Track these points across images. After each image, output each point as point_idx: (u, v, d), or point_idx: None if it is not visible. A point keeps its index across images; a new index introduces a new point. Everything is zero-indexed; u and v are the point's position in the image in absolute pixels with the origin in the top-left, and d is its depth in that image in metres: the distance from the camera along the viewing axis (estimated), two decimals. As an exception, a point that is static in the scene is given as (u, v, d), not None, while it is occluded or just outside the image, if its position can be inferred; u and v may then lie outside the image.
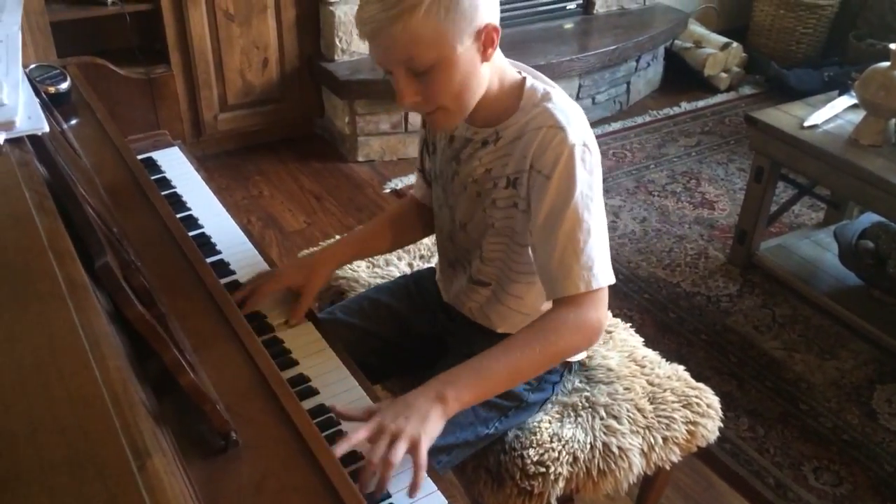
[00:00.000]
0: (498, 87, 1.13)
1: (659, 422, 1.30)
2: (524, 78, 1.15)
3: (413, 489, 0.94)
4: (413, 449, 0.95)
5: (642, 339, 1.52)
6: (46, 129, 1.07)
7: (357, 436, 0.95)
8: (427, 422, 0.97)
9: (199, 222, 1.41)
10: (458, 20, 1.00)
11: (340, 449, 0.93)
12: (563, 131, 1.07)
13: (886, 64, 2.09)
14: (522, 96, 1.13)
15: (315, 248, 1.72)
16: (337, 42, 3.05)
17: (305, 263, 1.29)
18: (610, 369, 1.39)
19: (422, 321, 1.40)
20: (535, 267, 1.16)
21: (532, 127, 1.10)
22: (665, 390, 1.36)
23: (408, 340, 1.39)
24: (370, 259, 1.64)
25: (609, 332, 1.49)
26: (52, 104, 1.34)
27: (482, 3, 1.02)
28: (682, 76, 3.91)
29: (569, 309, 1.07)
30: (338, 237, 1.72)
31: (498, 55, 1.11)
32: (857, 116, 2.22)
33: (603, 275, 1.07)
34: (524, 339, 1.06)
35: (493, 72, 1.11)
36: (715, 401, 1.37)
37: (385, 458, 0.92)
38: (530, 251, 1.15)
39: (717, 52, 3.82)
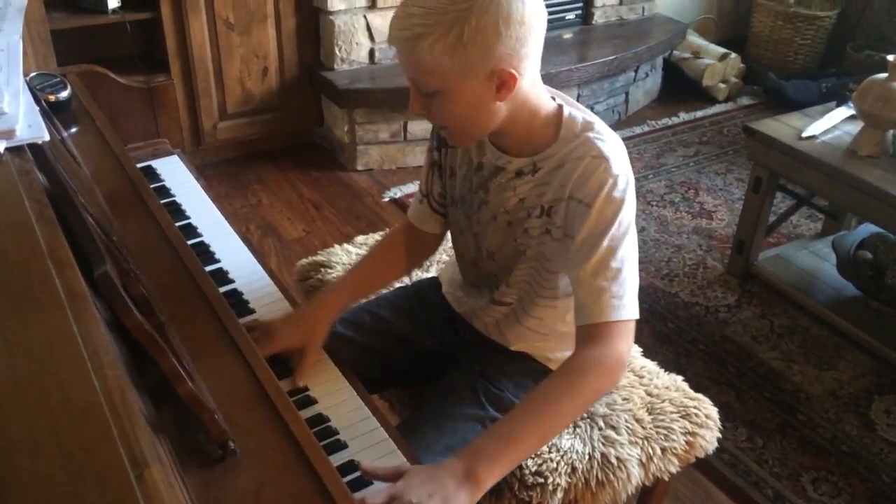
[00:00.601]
0: (530, 119, 1.11)
1: (657, 432, 1.30)
2: (561, 107, 1.13)
3: None
4: None
5: (641, 350, 1.52)
6: (47, 137, 1.07)
7: (377, 501, 0.91)
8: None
9: (198, 231, 1.41)
10: (463, 60, 0.99)
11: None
12: (607, 161, 1.06)
13: (884, 75, 2.10)
14: (561, 126, 1.11)
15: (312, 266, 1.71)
16: (336, 51, 3.06)
17: (302, 322, 1.19)
18: (608, 379, 1.39)
19: (425, 336, 1.38)
20: (563, 289, 1.16)
21: (574, 157, 1.09)
22: (663, 401, 1.35)
23: (410, 355, 1.37)
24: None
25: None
26: (53, 112, 1.34)
27: (499, 51, 0.99)
28: (680, 86, 3.92)
29: (593, 345, 1.05)
30: (336, 248, 1.73)
31: (529, 89, 1.08)
32: (855, 127, 2.23)
33: (631, 307, 1.06)
34: (551, 395, 1.02)
35: (516, 107, 1.08)
36: (713, 411, 1.37)
37: None
38: (567, 276, 1.14)
39: (715, 63, 3.84)
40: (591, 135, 1.10)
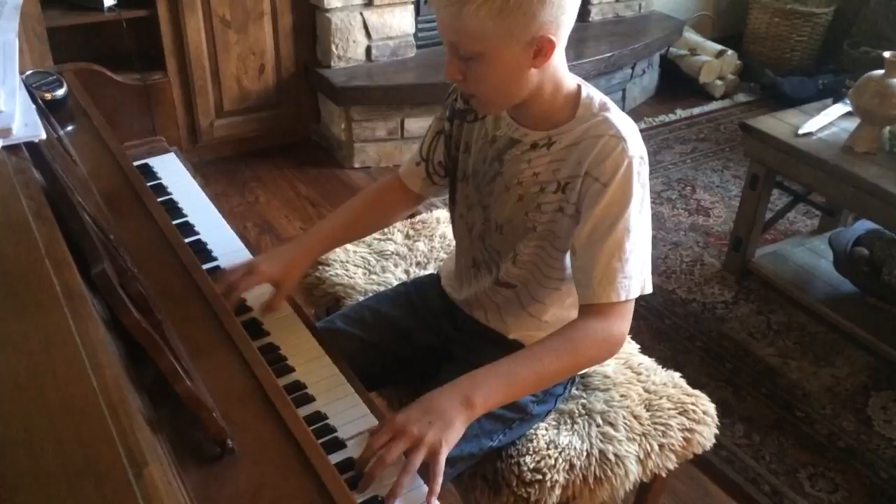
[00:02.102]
0: (553, 93, 1.13)
1: (655, 429, 1.30)
2: (580, 86, 1.15)
3: (430, 497, 0.94)
4: (432, 457, 0.95)
5: (638, 346, 1.52)
6: (43, 136, 1.07)
7: (379, 440, 0.95)
8: (450, 429, 0.97)
9: (196, 229, 1.41)
10: (509, 24, 1.00)
11: (366, 454, 0.95)
12: (624, 142, 1.08)
13: (881, 72, 2.10)
14: (580, 104, 1.13)
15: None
16: (333, 49, 3.05)
17: (281, 260, 1.27)
18: (606, 376, 1.39)
19: (424, 332, 1.38)
20: (570, 271, 1.17)
21: (591, 135, 1.11)
22: (661, 397, 1.36)
23: (409, 351, 1.37)
24: (366, 266, 1.64)
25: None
26: (49, 110, 1.34)
27: (542, 16, 1.00)
28: (677, 83, 3.92)
29: (597, 319, 1.08)
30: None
31: (558, 62, 1.10)
32: (852, 124, 2.24)
33: (638, 285, 1.09)
34: (552, 346, 1.07)
35: (547, 77, 1.10)
36: (711, 408, 1.37)
37: (402, 462, 0.93)
38: (569, 255, 1.16)
39: (712, 60, 3.84)
40: (608, 115, 1.12)
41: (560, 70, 1.12)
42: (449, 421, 0.97)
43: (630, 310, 1.11)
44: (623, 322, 1.10)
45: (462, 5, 0.99)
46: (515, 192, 1.19)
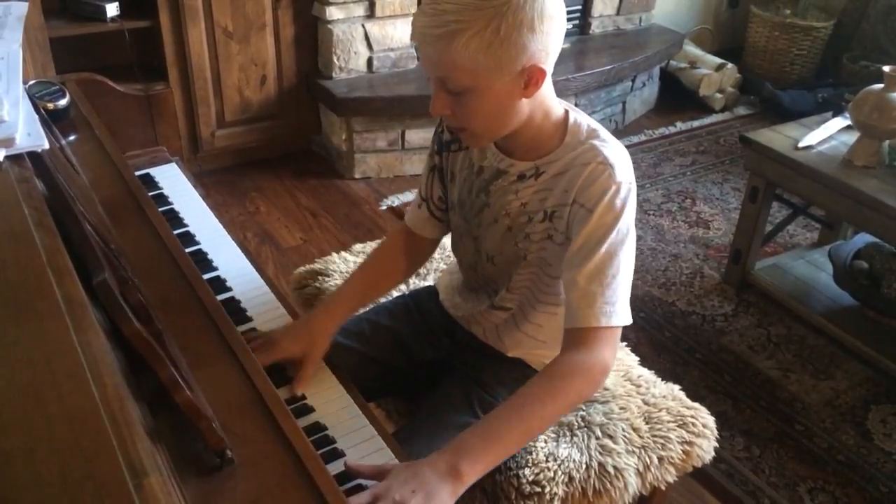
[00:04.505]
0: (541, 122, 1.12)
1: (654, 441, 1.30)
2: (567, 112, 1.14)
3: None
4: None
5: (637, 359, 1.52)
6: (46, 145, 1.07)
7: (361, 501, 0.91)
8: (433, 500, 0.93)
9: (196, 238, 1.41)
10: (499, 56, 0.99)
11: None
12: (612, 168, 1.07)
13: (880, 86, 2.11)
14: (567, 132, 1.12)
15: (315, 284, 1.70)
16: (335, 60, 3.07)
17: (304, 334, 1.18)
18: (605, 388, 1.39)
19: (423, 346, 1.38)
20: (561, 296, 1.15)
21: (579, 163, 1.09)
22: (660, 410, 1.36)
23: (408, 364, 1.37)
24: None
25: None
26: (52, 120, 1.34)
27: (532, 47, 1.00)
28: (677, 96, 3.94)
29: (578, 349, 1.06)
30: (335, 258, 1.73)
31: (546, 90, 1.09)
32: (851, 138, 2.24)
33: (622, 314, 1.07)
34: (534, 397, 1.03)
35: (536, 105, 1.09)
36: (710, 420, 1.37)
37: None
38: (562, 277, 1.14)
39: (711, 73, 3.85)
40: (596, 142, 1.10)
41: (548, 98, 1.11)
42: (432, 491, 0.93)
43: (614, 337, 1.08)
44: (607, 349, 1.06)
45: (451, 40, 0.97)
46: (504, 223, 1.18)
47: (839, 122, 2.37)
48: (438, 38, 0.98)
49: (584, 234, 1.07)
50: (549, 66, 1.05)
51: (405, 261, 1.37)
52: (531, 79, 1.03)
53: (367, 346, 1.35)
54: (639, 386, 1.41)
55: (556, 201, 1.12)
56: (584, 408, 1.35)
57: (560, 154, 1.12)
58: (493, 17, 0.96)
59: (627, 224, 1.08)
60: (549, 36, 1.01)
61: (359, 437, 1.05)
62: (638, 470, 1.27)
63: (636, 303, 2.44)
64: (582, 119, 1.14)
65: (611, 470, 1.24)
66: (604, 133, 1.13)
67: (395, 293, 1.58)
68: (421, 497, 0.92)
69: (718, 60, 3.92)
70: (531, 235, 1.16)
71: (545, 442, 1.27)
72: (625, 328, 1.09)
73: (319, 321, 1.22)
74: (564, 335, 1.09)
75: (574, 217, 1.10)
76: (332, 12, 2.97)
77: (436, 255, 1.72)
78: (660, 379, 1.45)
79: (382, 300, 1.52)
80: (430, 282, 1.63)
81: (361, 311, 1.42)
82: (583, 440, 1.28)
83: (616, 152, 1.10)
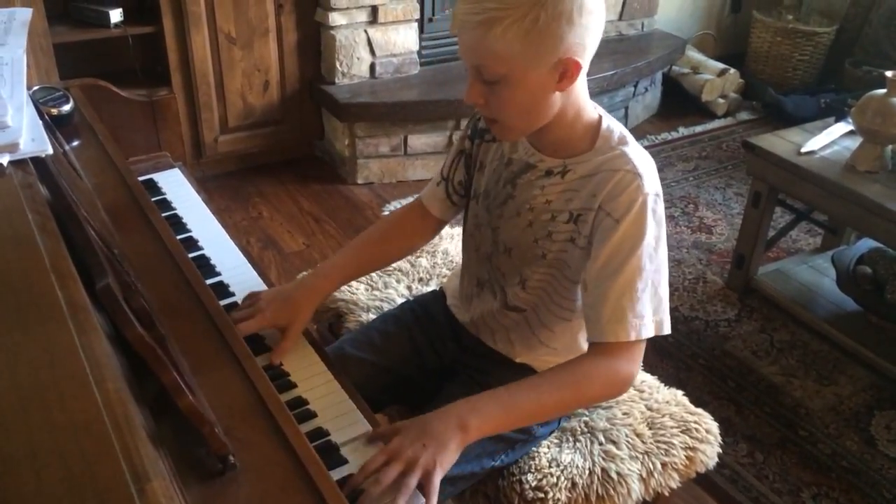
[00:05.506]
0: (573, 120, 1.12)
1: (658, 447, 1.30)
2: (601, 117, 1.14)
3: None
4: (426, 479, 0.94)
5: (641, 364, 1.51)
6: (50, 151, 1.08)
7: (375, 462, 0.95)
8: (445, 452, 0.96)
9: (199, 244, 1.41)
10: (536, 46, 0.99)
11: (359, 478, 0.94)
12: (640, 178, 1.07)
13: (883, 91, 2.11)
14: (599, 135, 1.12)
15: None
16: (337, 65, 3.07)
17: (290, 304, 1.19)
18: (608, 394, 1.39)
19: (430, 352, 1.37)
20: (581, 305, 1.15)
21: (607, 168, 1.09)
22: (664, 415, 1.35)
23: (416, 371, 1.36)
24: (369, 282, 1.64)
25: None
26: (55, 125, 1.34)
27: (569, 39, 1.00)
28: (679, 101, 3.94)
29: (604, 357, 1.07)
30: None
31: (580, 87, 1.09)
32: (854, 143, 2.24)
33: (652, 326, 1.07)
34: (555, 381, 1.06)
35: (569, 103, 1.09)
36: (714, 426, 1.37)
37: (397, 484, 0.93)
38: (580, 289, 1.14)
39: (714, 78, 3.85)
40: (626, 149, 1.10)
41: (582, 96, 1.11)
42: (443, 444, 0.97)
43: (640, 350, 1.08)
44: (631, 363, 1.07)
45: (489, 27, 0.98)
46: (526, 217, 1.18)
47: (842, 128, 2.37)
48: (478, 24, 0.99)
49: (612, 247, 1.06)
50: (585, 61, 1.05)
51: (403, 236, 1.37)
52: (566, 72, 1.03)
53: (378, 355, 1.34)
54: (642, 391, 1.41)
55: (581, 204, 1.12)
56: (587, 413, 1.35)
57: (590, 157, 1.12)
58: (532, 6, 0.97)
59: (656, 235, 1.07)
60: (588, 30, 1.02)
61: (361, 443, 1.05)
62: (641, 476, 1.26)
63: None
64: (615, 126, 1.14)
65: (614, 476, 1.23)
66: (633, 142, 1.13)
67: (398, 297, 1.58)
68: (432, 450, 0.96)
69: (721, 66, 3.93)
70: (553, 235, 1.16)
71: (548, 447, 1.27)
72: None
73: (306, 293, 1.22)
74: (591, 347, 1.09)
75: (599, 224, 1.09)
76: (335, 18, 2.98)
77: (440, 260, 1.73)
78: (663, 384, 1.45)
79: (387, 307, 1.51)
80: (433, 286, 1.63)
81: (365, 318, 1.42)
82: (586, 446, 1.28)
83: (645, 162, 1.10)
